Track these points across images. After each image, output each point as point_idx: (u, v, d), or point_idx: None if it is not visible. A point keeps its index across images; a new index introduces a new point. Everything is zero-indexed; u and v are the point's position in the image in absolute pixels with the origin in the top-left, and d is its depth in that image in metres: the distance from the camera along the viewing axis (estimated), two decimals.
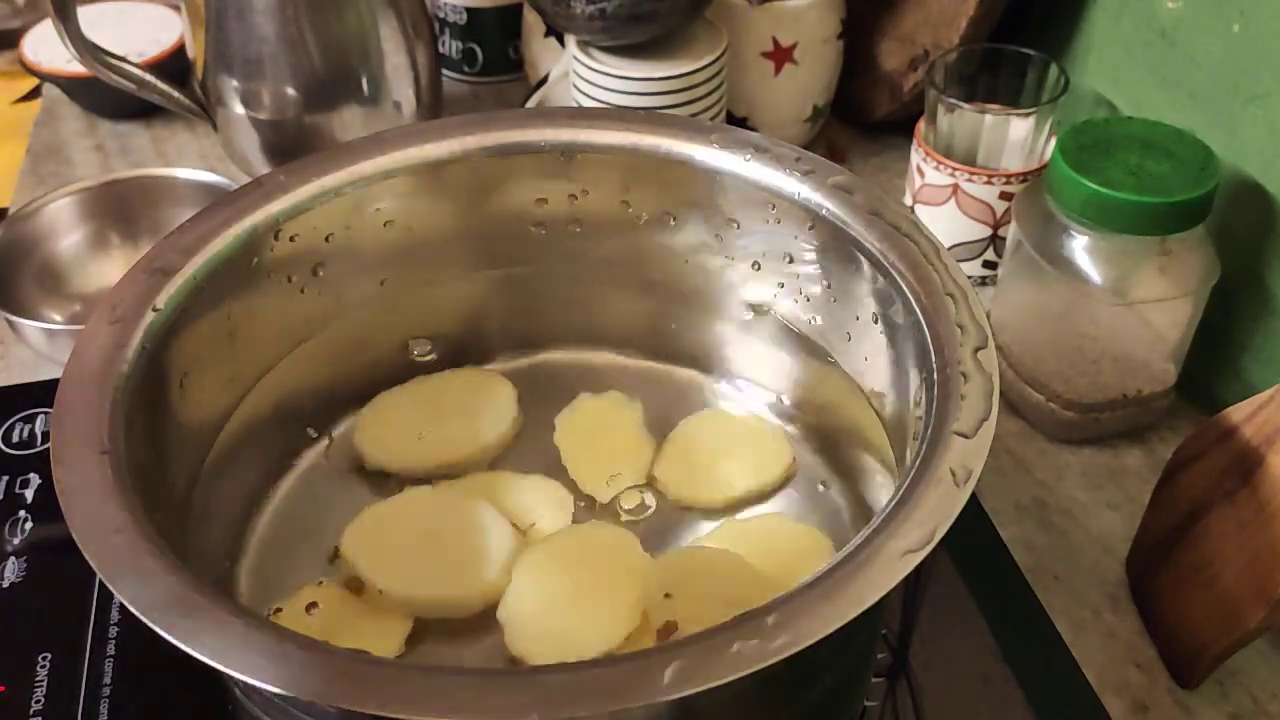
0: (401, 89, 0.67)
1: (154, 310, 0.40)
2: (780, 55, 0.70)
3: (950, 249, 0.52)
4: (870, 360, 0.45)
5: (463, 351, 0.52)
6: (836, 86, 0.75)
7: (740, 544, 0.45)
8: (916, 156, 0.64)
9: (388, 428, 0.50)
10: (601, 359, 0.53)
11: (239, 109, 0.66)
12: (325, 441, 0.50)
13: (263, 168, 0.67)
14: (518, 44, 0.79)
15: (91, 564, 0.32)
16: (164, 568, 0.32)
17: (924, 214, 0.64)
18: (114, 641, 0.46)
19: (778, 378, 0.50)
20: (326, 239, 0.47)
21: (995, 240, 0.64)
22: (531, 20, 0.74)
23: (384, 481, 0.48)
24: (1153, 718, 0.47)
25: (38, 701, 0.44)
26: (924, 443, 0.35)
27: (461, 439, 0.49)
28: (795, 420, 0.50)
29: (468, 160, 0.48)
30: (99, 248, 0.67)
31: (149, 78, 0.67)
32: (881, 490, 0.45)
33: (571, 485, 0.48)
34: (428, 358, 0.52)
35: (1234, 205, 0.55)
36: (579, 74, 0.67)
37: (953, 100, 0.61)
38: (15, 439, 0.55)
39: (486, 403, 0.50)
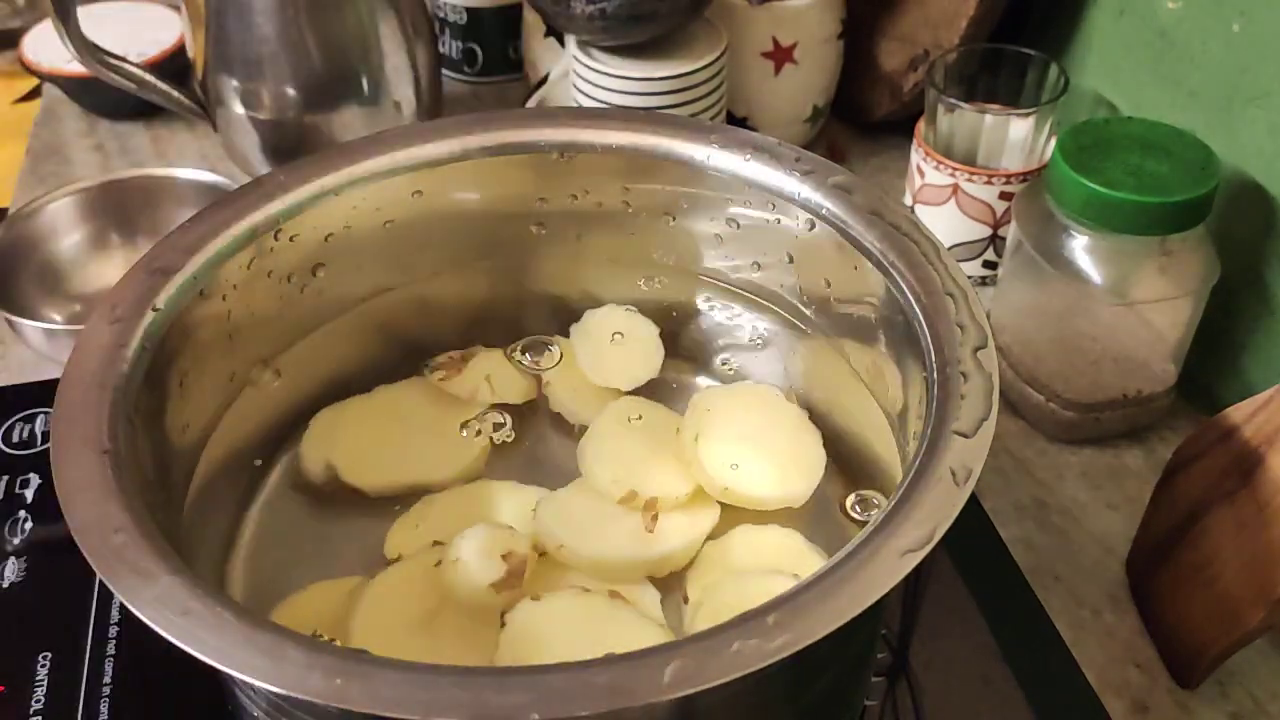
0: (401, 89, 0.67)
1: (154, 310, 0.40)
2: (780, 55, 0.70)
3: (950, 249, 0.52)
4: (870, 360, 0.45)
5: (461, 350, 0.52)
6: (836, 86, 0.75)
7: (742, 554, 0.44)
8: (916, 156, 0.64)
9: (351, 446, 0.48)
10: None
11: (239, 109, 0.66)
12: None
13: (263, 168, 0.67)
14: (518, 44, 0.79)
15: (91, 564, 0.32)
16: (164, 568, 0.32)
17: (924, 214, 0.64)
18: (114, 641, 0.46)
19: (778, 377, 0.50)
20: (326, 239, 0.47)
21: (995, 240, 0.64)
22: (531, 20, 0.74)
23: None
24: (1153, 718, 0.47)
25: (38, 701, 0.44)
26: (924, 442, 0.35)
27: (431, 458, 0.47)
28: None
29: (468, 160, 0.48)
30: (99, 248, 0.67)
31: (149, 78, 0.67)
32: (883, 488, 0.45)
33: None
34: (426, 357, 0.52)
35: (1234, 205, 0.55)
36: (579, 74, 0.67)
37: (953, 100, 0.61)
38: (15, 439, 0.55)
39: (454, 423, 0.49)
